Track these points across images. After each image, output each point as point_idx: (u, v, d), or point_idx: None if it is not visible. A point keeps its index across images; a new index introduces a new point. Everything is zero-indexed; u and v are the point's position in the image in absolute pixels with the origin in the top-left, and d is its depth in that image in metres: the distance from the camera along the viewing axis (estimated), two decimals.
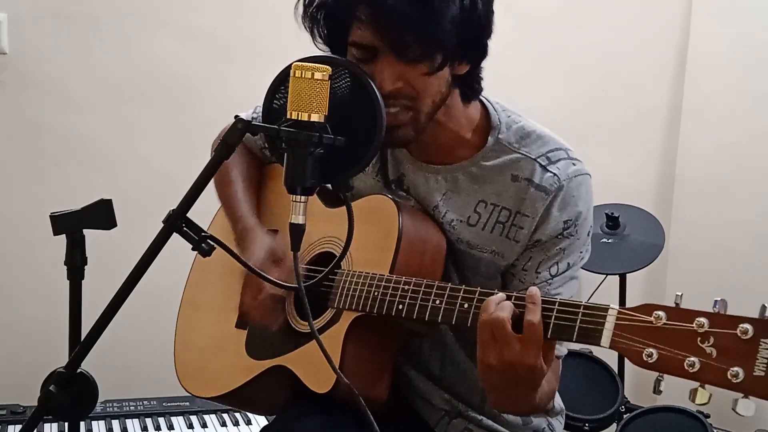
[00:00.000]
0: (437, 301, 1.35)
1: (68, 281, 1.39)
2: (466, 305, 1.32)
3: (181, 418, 2.35)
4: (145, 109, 2.64)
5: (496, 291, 1.29)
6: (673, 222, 3.27)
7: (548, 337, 1.21)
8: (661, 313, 1.09)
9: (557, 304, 1.22)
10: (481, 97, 1.55)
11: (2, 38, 2.47)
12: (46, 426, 2.24)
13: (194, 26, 2.65)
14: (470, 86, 1.49)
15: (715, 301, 1.06)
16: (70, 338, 1.38)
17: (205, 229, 1.25)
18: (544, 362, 1.22)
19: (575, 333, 1.19)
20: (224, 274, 1.71)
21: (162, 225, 1.22)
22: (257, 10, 2.69)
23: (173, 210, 1.22)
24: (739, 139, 3.07)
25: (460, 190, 1.52)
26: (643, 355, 1.09)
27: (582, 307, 1.19)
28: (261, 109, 1.66)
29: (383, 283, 1.41)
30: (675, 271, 3.23)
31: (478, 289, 1.32)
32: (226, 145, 1.21)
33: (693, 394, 1.05)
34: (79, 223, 1.39)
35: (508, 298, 1.25)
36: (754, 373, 1.00)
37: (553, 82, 3.08)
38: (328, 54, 1.43)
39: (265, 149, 1.76)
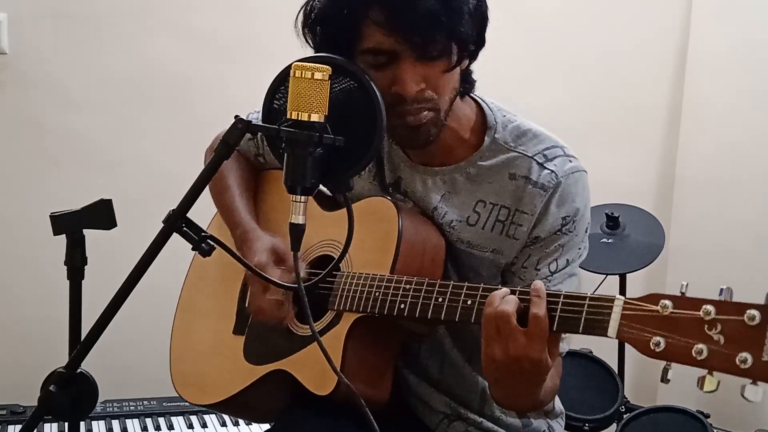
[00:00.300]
0: (440, 299, 1.35)
1: (68, 281, 1.39)
2: (469, 301, 1.31)
3: (181, 418, 2.34)
4: (145, 109, 2.64)
5: (500, 286, 1.29)
6: (673, 222, 3.27)
7: (554, 330, 1.20)
8: (667, 302, 1.09)
9: (562, 296, 1.21)
10: (476, 97, 1.56)
11: (2, 38, 2.47)
12: (46, 426, 2.23)
13: (194, 26, 2.65)
14: (467, 80, 1.50)
15: (721, 289, 1.06)
16: (70, 338, 1.38)
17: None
18: (549, 357, 1.21)
19: (581, 325, 1.18)
20: (220, 280, 1.71)
21: (162, 225, 1.22)
22: (257, 10, 2.69)
23: (173, 210, 1.22)
24: (739, 139, 3.06)
25: (459, 191, 1.52)
26: (651, 344, 1.09)
27: (587, 298, 1.19)
28: (256, 114, 1.67)
29: (384, 284, 1.41)
30: (675, 271, 3.23)
31: (482, 285, 1.32)
32: (226, 145, 1.20)
33: (701, 381, 1.05)
34: (79, 223, 1.39)
35: (513, 292, 1.25)
36: (763, 359, 1.00)
37: (553, 82, 3.08)
38: (328, 54, 1.43)
39: (260, 156, 1.76)
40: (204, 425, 2.32)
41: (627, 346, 2.96)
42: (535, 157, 1.48)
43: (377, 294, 1.41)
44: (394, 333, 1.48)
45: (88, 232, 1.40)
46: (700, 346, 1.05)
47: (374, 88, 1.28)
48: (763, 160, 2.97)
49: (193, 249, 1.23)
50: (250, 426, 2.32)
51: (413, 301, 1.37)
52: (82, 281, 1.40)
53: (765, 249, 2.91)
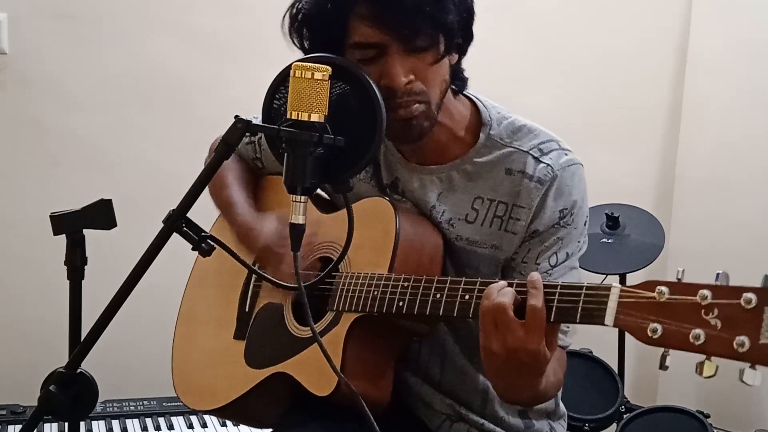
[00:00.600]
0: (437, 295, 1.34)
1: (68, 281, 1.39)
2: (467, 296, 1.31)
3: (181, 418, 2.35)
4: (145, 109, 2.64)
5: (497, 280, 1.29)
6: (673, 222, 3.27)
7: (551, 320, 1.20)
8: (663, 288, 1.08)
9: (559, 287, 1.21)
10: (470, 95, 1.56)
11: (2, 38, 2.47)
12: (46, 426, 2.24)
13: (194, 26, 2.65)
14: (458, 77, 1.51)
15: (717, 273, 1.06)
16: (70, 338, 1.38)
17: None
18: (548, 348, 1.21)
19: (578, 314, 1.18)
20: (220, 287, 1.71)
21: (162, 225, 1.22)
22: (257, 10, 2.68)
23: (173, 210, 1.22)
24: (739, 139, 3.06)
25: (456, 189, 1.52)
26: (648, 330, 1.08)
27: (584, 288, 1.18)
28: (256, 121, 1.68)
29: (382, 282, 1.41)
30: (675, 271, 3.20)
31: (479, 279, 1.31)
32: (226, 145, 1.21)
33: (699, 367, 1.04)
34: (79, 223, 1.39)
35: (510, 285, 1.24)
36: (760, 341, 1.00)
37: (553, 82, 3.08)
38: (328, 54, 1.43)
39: (257, 160, 1.76)
40: (204, 425, 2.32)
41: (627, 346, 2.97)
42: (530, 152, 1.49)
43: (375, 293, 1.41)
44: (393, 332, 1.48)
45: (88, 232, 1.40)
46: (698, 331, 1.04)
47: (374, 87, 1.28)
48: (762, 160, 2.97)
49: (193, 249, 1.23)
50: (250, 426, 2.32)
51: (411, 298, 1.37)
52: (82, 281, 1.40)
53: (765, 249, 2.91)
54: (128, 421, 2.31)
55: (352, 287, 1.45)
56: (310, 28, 1.41)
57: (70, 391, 1.25)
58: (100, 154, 2.60)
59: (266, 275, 1.44)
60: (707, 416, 2.51)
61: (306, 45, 1.44)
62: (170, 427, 2.29)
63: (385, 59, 1.37)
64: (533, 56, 3.04)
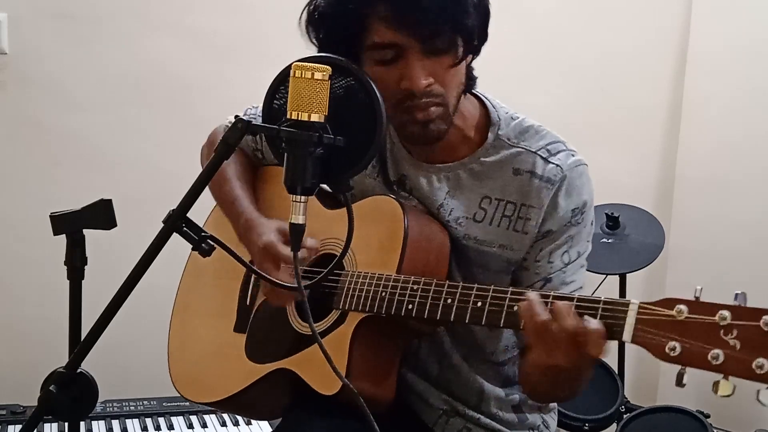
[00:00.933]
0: (449, 300, 1.35)
1: (68, 281, 1.39)
2: (479, 303, 1.31)
3: (181, 418, 2.35)
4: (145, 110, 2.64)
5: (509, 288, 1.29)
6: (673, 222, 3.27)
7: None
8: (683, 307, 1.09)
9: (575, 300, 1.21)
10: (478, 94, 1.56)
11: (2, 38, 2.47)
12: (46, 426, 2.24)
13: (194, 26, 2.65)
14: (469, 77, 1.50)
15: (736, 294, 1.07)
16: (70, 338, 1.38)
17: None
18: None
19: None
20: (219, 278, 1.71)
21: (162, 225, 1.22)
22: (257, 10, 2.69)
23: (173, 210, 1.22)
24: (739, 139, 3.06)
25: (463, 188, 1.52)
26: (666, 348, 1.09)
27: (602, 302, 1.19)
28: (253, 110, 1.67)
29: (391, 283, 1.41)
30: (675, 271, 3.23)
31: (492, 286, 1.32)
32: (226, 145, 1.20)
33: (716, 386, 1.05)
34: (79, 223, 1.39)
35: (545, 301, 1.23)
36: None
37: (553, 81, 3.08)
38: (328, 54, 1.43)
39: (258, 152, 1.76)
40: (204, 425, 2.32)
41: (627, 346, 2.96)
42: (538, 152, 1.50)
43: (384, 294, 1.41)
44: (399, 332, 1.48)
45: (88, 232, 1.40)
46: (716, 351, 1.05)
47: (374, 87, 1.28)
48: (762, 160, 2.97)
49: (193, 249, 1.23)
50: (250, 426, 2.32)
51: (421, 301, 1.37)
52: (82, 281, 1.40)
53: (765, 249, 2.91)
54: (128, 421, 2.31)
55: (359, 287, 1.45)
56: (328, 25, 1.41)
57: (70, 391, 1.24)
58: (100, 154, 2.60)
59: (266, 275, 1.43)
60: (707, 416, 2.51)
61: (323, 41, 1.43)
62: (170, 427, 2.29)
63: (404, 61, 1.37)
64: (533, 56, 3.04)
